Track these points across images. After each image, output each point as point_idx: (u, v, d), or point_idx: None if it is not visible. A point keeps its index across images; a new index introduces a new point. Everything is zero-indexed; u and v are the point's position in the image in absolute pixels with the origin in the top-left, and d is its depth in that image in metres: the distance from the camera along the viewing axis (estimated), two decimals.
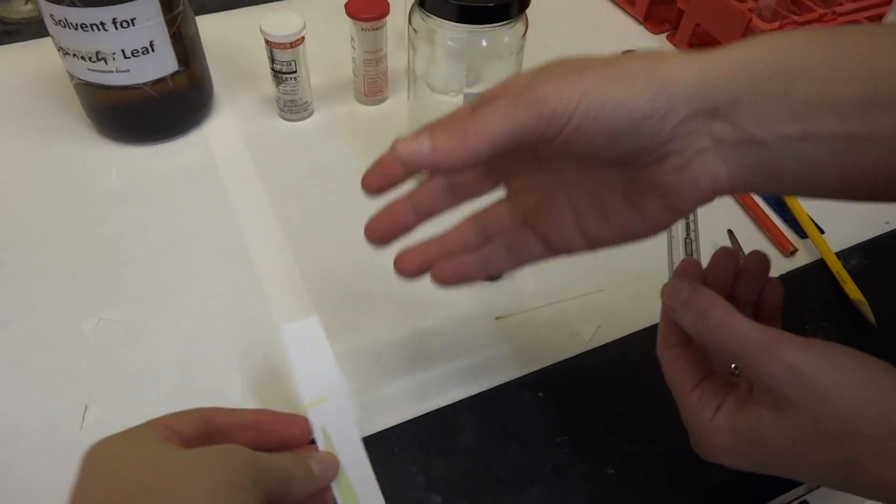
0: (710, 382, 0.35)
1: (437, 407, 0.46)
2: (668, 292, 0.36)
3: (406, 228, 0.35)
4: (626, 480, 0.42)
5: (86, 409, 0.46)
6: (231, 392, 0.47)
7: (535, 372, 0.47)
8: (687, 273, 0.38)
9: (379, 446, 0.43)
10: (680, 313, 0.35)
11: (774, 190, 0.32)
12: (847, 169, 0.29)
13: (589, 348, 0.49)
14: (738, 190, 0.31)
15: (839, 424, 0.29)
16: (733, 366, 0.36)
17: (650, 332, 0.49)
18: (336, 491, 0.37)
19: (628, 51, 0.32)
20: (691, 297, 0.34)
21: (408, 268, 0.36)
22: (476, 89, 0.52)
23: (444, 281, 0.35)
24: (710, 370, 0.36)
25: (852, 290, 0.52)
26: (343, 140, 0.65)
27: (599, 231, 0.34)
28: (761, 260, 0.38)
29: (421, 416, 0.45)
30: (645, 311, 0.50)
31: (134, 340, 0.50)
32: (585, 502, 0.42)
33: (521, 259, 0.35)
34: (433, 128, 0.29)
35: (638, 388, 0.46)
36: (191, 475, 0.29)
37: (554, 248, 0.35)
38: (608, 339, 0.50)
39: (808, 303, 0.53)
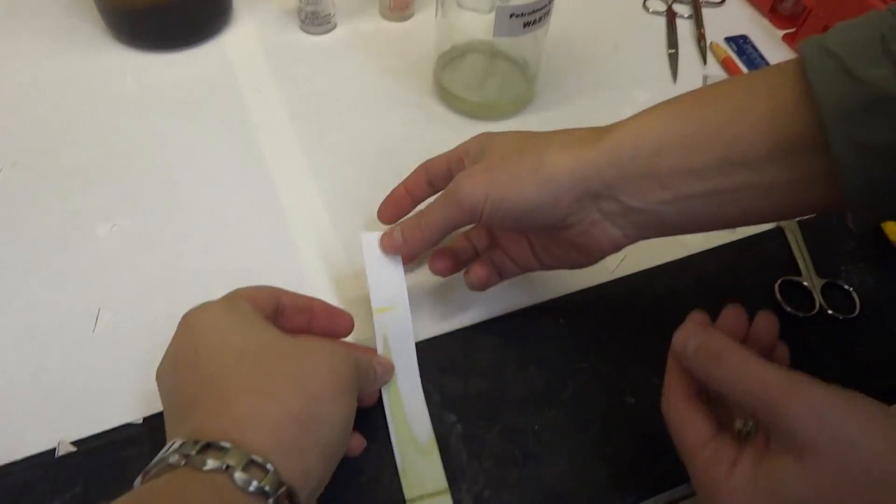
0: (722, 438, 0.32)
1: (457, 328, 0.45)
2: (679, 338, 0.35)
3: (406, 212, 0.46)
4: (645, 410, 0.42)
5: (98, 312, 0.45)
6: None
7: (557, 298, 0.46)
8: (697, 323, 0.36)
9: None
10: (693, 358, 0.33)
11: (671, 234, 0.37)
12: (727, 213, 0.34)
13: (613, 278, 0.48)
14: (636, 241, 0.38)
15: (865, 473, 0.27)
16: (738, 425, 0.32)
17: (675, 265, 0.48)
18: (385, 396, 0.39)
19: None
20: (706, 341, 0.33)
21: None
22: (511, 2, 0.49)
23: (438, 271, 0.44)
24: (721, 426, 0.33)
25: (892, 231, 0.50)
26: (366, 57, 0.63)
27: (549, 261, 0.41)
28: (770, 323, 0.37)
29: (440, 336, 0.44)
30: (672, 245, 0.48)
31: (148, 248, 0.49)
32: (603, 429, 0.41)
33: (500, 272, 0.43)
34: (402, 226, 0.41)
35: (661, 319, 0.44)
36: (311, 354, 0.33)
37: (521, 267, 0.43)
38: (633, 270, 0.48)
39: (844, 243, 0.51)
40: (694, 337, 0.33)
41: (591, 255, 0.39)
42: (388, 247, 0.41)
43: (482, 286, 0.43)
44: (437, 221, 0.39)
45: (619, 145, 0.34)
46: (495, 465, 0.39)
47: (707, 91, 0.35)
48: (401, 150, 0.51)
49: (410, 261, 0.46)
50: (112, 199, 0.51)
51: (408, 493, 0.37)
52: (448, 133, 0.49)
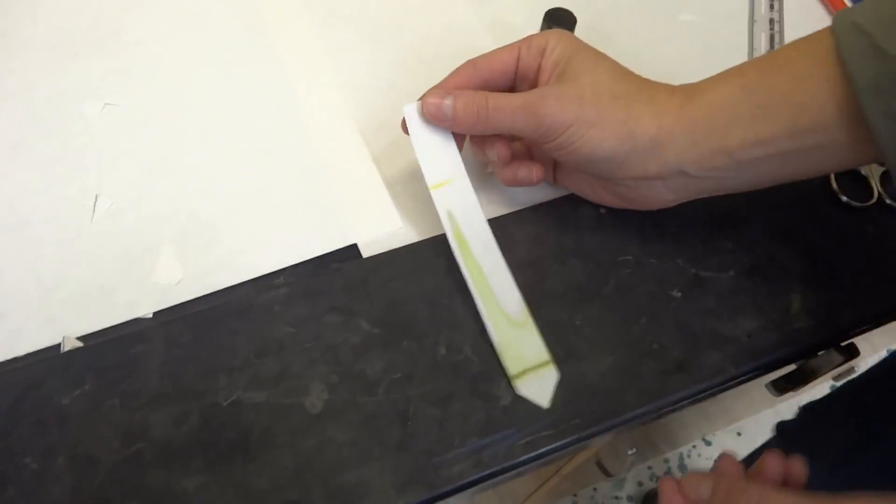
0: None
1: (489, 217, 0.41)
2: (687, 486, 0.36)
3: None
4: (693, 304, 0.39)
5: (96, 199, 0.41)
6: (252, 183, 0.42)
7: None
8: (727, 471, 0.37)
9: (427, 253, 0.39)
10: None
11: (723, 193, 0.38)
12: (787, 173, 0.35)
13: None
14: (685, 201, 0.39)
15: None
16: None
17: None
18: (466, 274, 0.37)
19: None
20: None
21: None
22: None
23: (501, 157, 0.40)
24: None
25: None
26: None
27: (587, 192, 0.41)
28: (803, 470, 0.38)
29: None
30: None
31: (144, 129, 0.44)
32: (648, 325, 0.38)
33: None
34: (457, 95, 0.37)
35: (710, 212, 0.42)
36: None
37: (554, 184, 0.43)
38: None
39: None
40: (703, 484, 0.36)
41: (631, 203, 0.39)
42: (434, 115, 0.37)
43: (521, 184, 0.40)
44: (501, 119, 0.36)
45: (696, 118, 0.35)
46: None
47: (769, 59, 0.35)
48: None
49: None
50: (100, 74, 0.46)
51: (511, 369, 0.36)
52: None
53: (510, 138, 0.40)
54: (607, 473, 0.80)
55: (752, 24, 0.52)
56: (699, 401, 0.38)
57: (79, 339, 0.37)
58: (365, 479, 0.34)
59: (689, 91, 0.36)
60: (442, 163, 0.38)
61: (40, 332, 0.37)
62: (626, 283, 0.39)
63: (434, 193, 0.38)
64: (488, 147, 0.39)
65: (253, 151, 0.44)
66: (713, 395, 0.38)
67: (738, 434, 1.32)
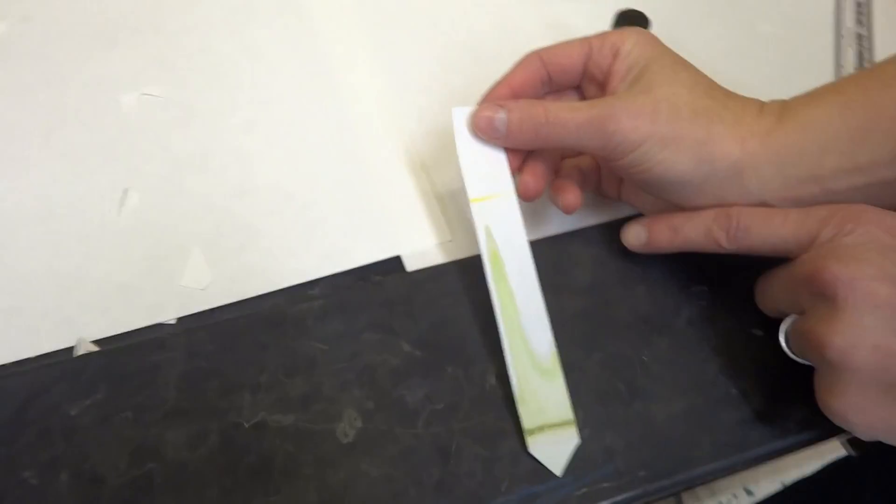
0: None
1: (546, 235, 0.38)
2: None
3: None
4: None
5: (125, 193, 0.39)
6: (291, 186, 0.39)
7: None
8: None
9: (479, 270, 0.35)
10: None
11: None
12: (887, 204, 0.30)
13: None
14: None
15: None
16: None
17: None
18: (496, 301, 0.32)
19: None
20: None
21: None
22: None
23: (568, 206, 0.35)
24: None
25: None
26: None
27: (640, 206, 0.37)
28: None
29: (531, 242, 0.37)
30: None
31: (181, 123, 0.41)
32: (725, 366, 0.34)
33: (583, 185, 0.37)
34: (511, 109, 0.32)
35: None
36: None
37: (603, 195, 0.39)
38: None
39: None
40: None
41: None
42: (485, 131, 0.33)
43: (573, 210, 0.36)
44: (563, 135, 0.32)
45: (787, 143, 0.31)
46: (596, 401, 0.33)
47: (871, 75, 0.31)
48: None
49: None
50: (139, 64, 0.43)
51: (526, 422, 0.31)
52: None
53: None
54: None
55: (839, 40, 0.47)
56: (781, 456, 0.33)
57: (95, 342, 0.34)
58: None
59: (779, 111, 0.32)
60: (488, 175, 0.34)
61: (54, 332, 0.34)
62: (700, 317, 0.35)
63: (474, 207, 0.33)
64: (563, 197, 0.35)
65: (294, 153, 0.40)
66: (797, 450, 0.34)
67: (783, 484, 1.25)
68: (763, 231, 0.31)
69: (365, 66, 0.44)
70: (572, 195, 0.34)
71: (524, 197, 0.34)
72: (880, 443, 0.29)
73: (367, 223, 0.38)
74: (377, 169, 0.40)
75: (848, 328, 0.27)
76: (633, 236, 0.36)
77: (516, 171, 0.35)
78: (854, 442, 0.47)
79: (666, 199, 0.34)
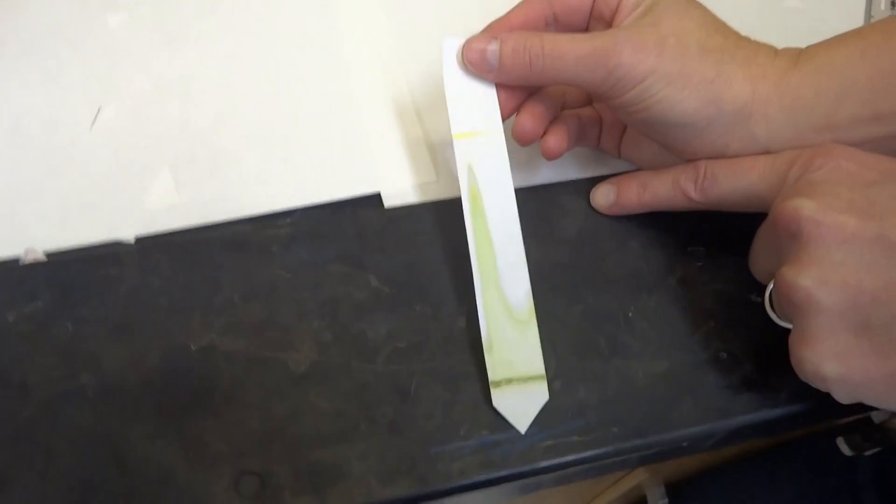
0: None
1: (535, 184, 0.35)
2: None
3: None
4: None
5: (99, 110, 0.37)
6: (274, 115, 0.37)
7: None
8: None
9: (461, 215, 0.33)
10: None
11: None
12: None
13: None
14: None
15: None
16: None
17: None
18: (471, 241, 0.30)
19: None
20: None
21: None
22: None
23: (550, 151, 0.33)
24: None
25: None
26: None
27: (633, 157, 0.35)
28: None
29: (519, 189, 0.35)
30: None
31: (167, 46, 0.39)
32: (719, 328, 0.31)
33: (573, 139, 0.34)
34: (505, 39, 0.30)
35: None
36: None
37: (598, 148, 0.36)
38: None
39: None
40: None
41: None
42: (476, 64, 0.31)
43: (555, 156, 0.33)
44: (561, 69, 0.29)
45: (801, 87, 0.29)
46: (573, 353, 0.30)
47: (891, 31, 0.29)
48: None
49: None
50: None
51: (492, 373, 0.29)
52: None
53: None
54: None
55: (869, 21, 0.45)
56: (769, 432, 0.31)
57: (47, 254, 0.32)
58: (344, 459, 0.27)
59: (795, 55, 0.30)
60: (476, 111, 0.31)
61: (6, 240, 0.32)
62: (694, 278, 0.33)
63: (457, 143, 0.31)
64: (548, 140, 0.33)
65: (281, 86, 0.38)
66: (786, 428, 0.31)
67: None
68: (731, 178, 0.29)
69: (365, 3, 0.42)
70: (556, 139, 0.32)
71: (519, 139, 0.32)
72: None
73: (349, 158, 0.36)
74: (368, 106, 0.38)
75: (814, 266, 0.24)
76: (602, 196, 0.34)
77: (512, 112, 0.32)
78: (851, 442, 0.44)
79: (665, 143, 0.31)
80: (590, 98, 0.36)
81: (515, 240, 0.30)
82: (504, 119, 0.31)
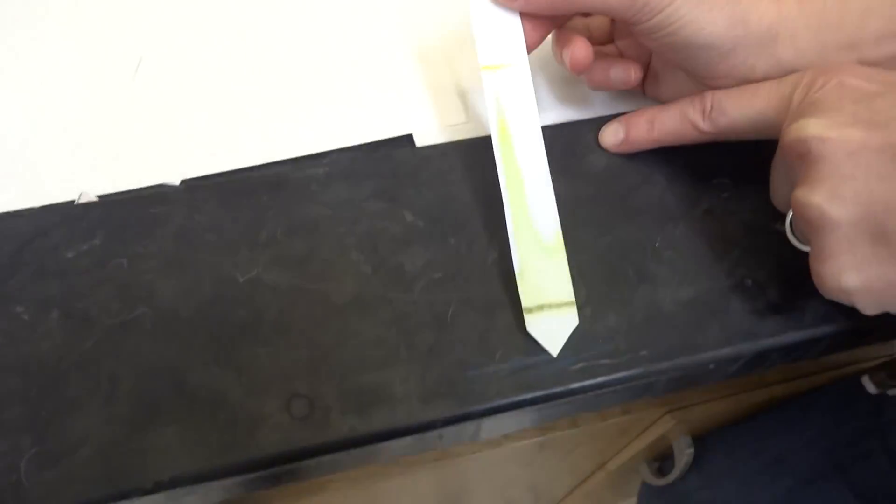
0: None
1: (562, 121, 0.36)
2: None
3: None
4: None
5: (140, 60, 0.38)
6: (309, 60, 0.38)
7: None
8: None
9: (492, 152, 0.34)
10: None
11: None
12: None
13: None
14: None
15: None
16: None
17: None
18: (501, 173, 0.31)
19: None
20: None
21: None
22: None
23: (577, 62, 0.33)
24: None
25: None
26: None
27: (656, 93, 0.36)
28: None
29: (546, 127, 0.35)
30: None
31: (216, 2, 0.40)
32: (744, 256, 0.32)
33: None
34: None
35: None
36: None
37: (619, 83, 0.35)
38: None
39: None
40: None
41: None
42: None
43: (614, 86, 0.35)
44: None
45: (826, 5, 0.29)
46: (602, 282, 0.31)
47: None
48: None
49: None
50: None
51: (525, 300, 0.30)
52: None
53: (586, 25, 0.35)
54: (660, 473, 0.73)
55: None
56: (795, 356, 0.32)
57: (98, 197, 0.34)
58: (387, 382, 0.29)
59: None
60: (501, 42, 0.32)
61: (59, 185, 0.34)
62: (720, 208, 0.33)
63: (485, 75, 0.32)
64: (564, 45, 0.33)
65: (316, 29, 0.39)
66: (812, 352, 0.32)
67: None
68: (738, 106, 0.30)
69: None
70: (581, 48, 0.32)
71: (574, 67, 0.32)
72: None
73: (381, 101, 0.37)
74: (400, 48, 0.39)
75: (824, 182, 0.25)
76: (611, 134, 0.34)
77: (536, 44, 0.33)
78: (876, 379, 0.45)
79: (691, 69, 0.32)
80: (611, 34, 0.37)
81: (542, 170, 0.31)
82: (529, 51, 0.32)
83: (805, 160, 0.26)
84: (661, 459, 0.73)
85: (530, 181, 0.31)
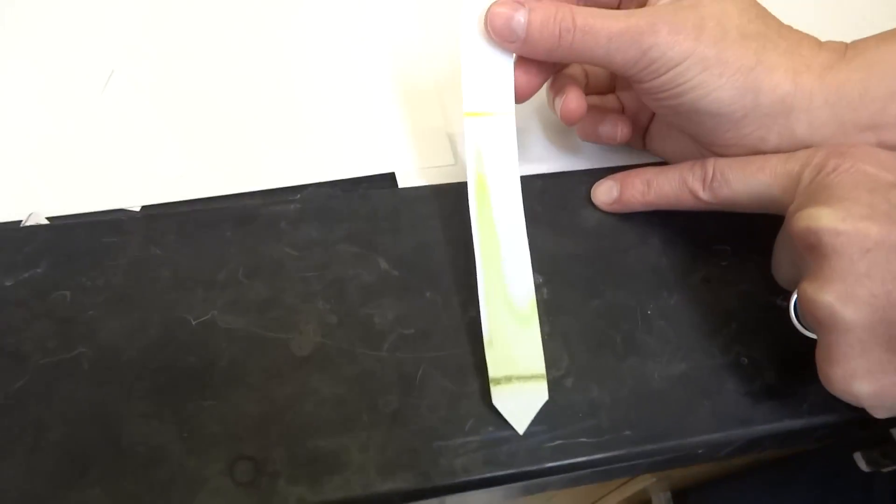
0: None
1: (556, 171, 0.34)
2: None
3: None
4: None
5: (112, 73, 0.36)
6: (291, 88, 0.36)
7: None
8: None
9: None
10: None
11: None
12: None
13: None
14: None
15: None
16: None
17: None
18: (476, 232, 0.28)
19: None
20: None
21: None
22: None
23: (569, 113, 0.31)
24: None
25: None
26: None
27: (658, 150, 0.34)
28: None
29: (532, 176, 0.33)
30: None
31: (184, 14, 0.38)
32: (741, 331, 0.30)
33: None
34: (533, 8, 0.28)
35: None
36: None
37: (616, 139, 0.33)
38: None
39: None
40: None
41: None
42: (499, 32, 0.28)
43: (601, 141, 0.33)
44: (591, 46, 0.27)
45: (848, 83, 0.27)
46: (587, 350, 0.29)
47: None
48: None
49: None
50: None
51: (492, 369, 0.27)
52: None
53: (584, 76, 0.33)
54: None
55: None
56: (790, 444, 0.29)
57: (49, 219, 0.31)
58: (343, 448, 0.26)
59: (842, 48, 0.28)
60: (490, 88, 0.29)
61: (7, 203, 0.31)
62: (718, 278, 0.31)
63: (467, 122, 0.29)
64: (557, 93, 0.31)
65: (301, 58, 0.37)
66: (809, 441, 0.30)
67: None
68: (741, 178, 0.28)
69: None
70: (574, 98, 0.30)
71: (565, 118, 0.30)
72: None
73: (364, 135, 0.35)
74: (384, 83, 0.37)
75: (837, 281, 0.22)
76: (604, 192, 0.32)
77: (530, 92, 0.31)
78: (869, 458, 0.43)
79: (696, 135, 0.30)
80: (612, 85, 0.34)
81: (520, 232, 0.29)
82: (523, 99, 0.30)
83: (816, 253, 0.23)
84: None
85: (506, 241, 0.29)
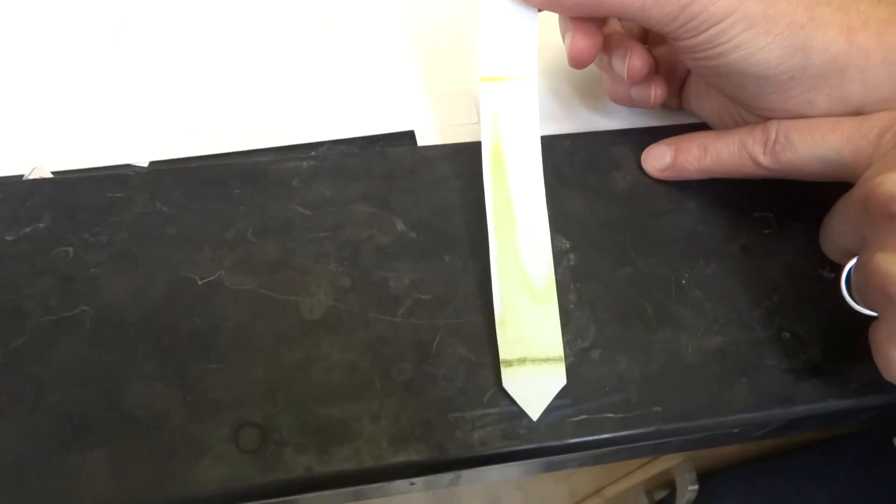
0: None
1: (588, 129, 0.32)
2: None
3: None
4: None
5: (121, 23, 0.34)
6: (311, 44, 0.34)
7: None
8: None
9: None
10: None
11: None
12: None
13: None
14: None
15: None
16: None
17: None
18: (489, 203, 0.26)
19: None
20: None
21: None
22: None
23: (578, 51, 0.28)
24: None
25: None
26: None
27: (696, 108, 0.32)
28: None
29: (561, 136, 0.31)
30: None
31: None
32: (783, 304, 0.28)
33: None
34: None
35: None
36: None
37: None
38: None
39: None
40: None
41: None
42: None
43: (632, 104, 0.30)
44: (620, 4, 0.25)
45: None
46: (615, 320, 0.27)
47: None
48: None
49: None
50: None
51: (504, 350, 0.25)
52: None
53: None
54: None
55: None
56: (833, 425, 0.27)
57: (54, 173, 0.30)
58: (354, 417, 0.25)
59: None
60: (510, 50, 0.27)
61: (12, 156, 0.30)
62: (759, 246, 0.29)
63: (483, 87, 0.27)
64: (614, 54, 0.29)
65: (321, 9, 0.35)
66: (853, 423, 0.27)
67: None
68: (808, 142, 0.25)
69: None
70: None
71: (575, 61, 0.28)
72: None
73: (384, 92, 0.33)
74: (404, 36, 0.35)
75: None
76: (656, 158, 0.30)
77: (595, 55, 0.28)
78: None
79: (738, 97, 0.27)
80: (645, 39, 0.32)
81: (539, 207, 0.27)
82: (584, 65, 0.28)
83: (891, 223, 0.21)
84: (663, 493, 0.68)
85: (523, 216, 0.27)
